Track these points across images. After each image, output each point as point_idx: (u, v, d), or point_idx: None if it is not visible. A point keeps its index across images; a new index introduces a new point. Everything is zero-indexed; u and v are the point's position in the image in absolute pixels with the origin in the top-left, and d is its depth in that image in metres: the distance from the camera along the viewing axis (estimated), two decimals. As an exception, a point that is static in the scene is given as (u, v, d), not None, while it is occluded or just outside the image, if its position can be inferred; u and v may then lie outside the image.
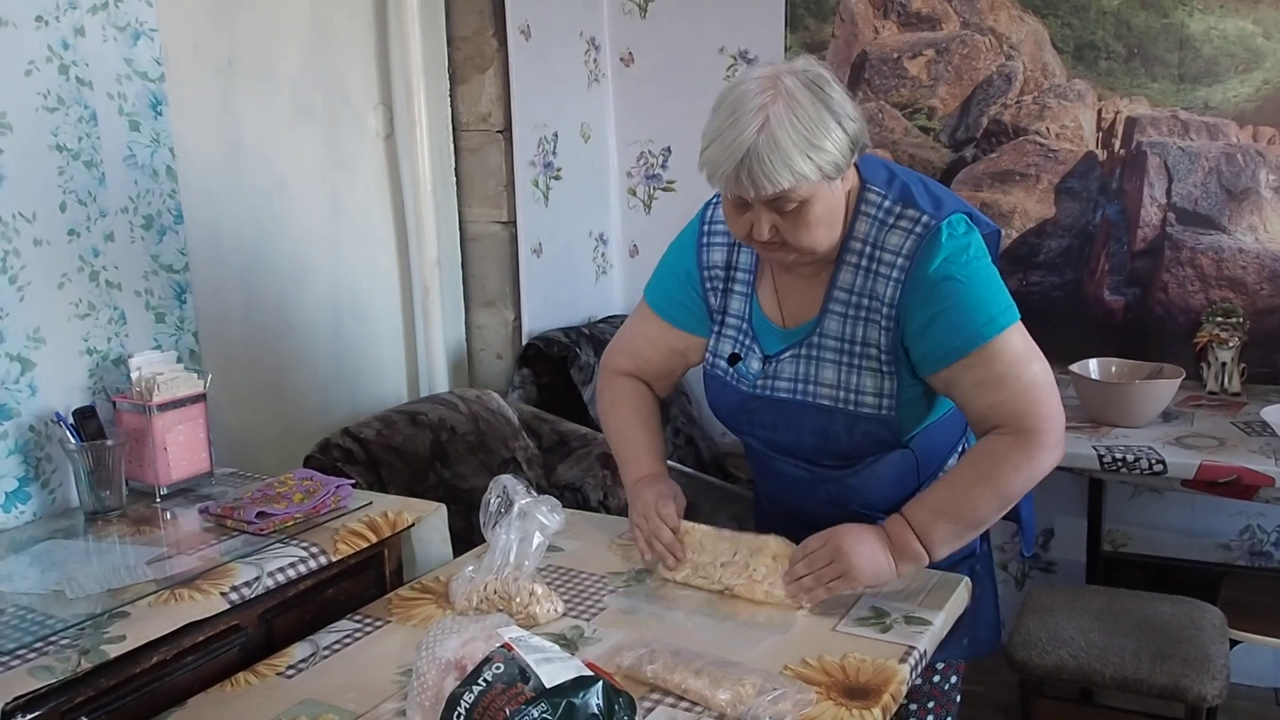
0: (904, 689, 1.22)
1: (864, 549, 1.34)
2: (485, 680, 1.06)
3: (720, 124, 1.29)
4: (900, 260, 1.36)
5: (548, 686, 1.04)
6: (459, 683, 1.07)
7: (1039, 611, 2.12)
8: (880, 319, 1.38)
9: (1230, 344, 2.47)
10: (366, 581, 1.63)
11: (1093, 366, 2.42)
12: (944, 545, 1.35)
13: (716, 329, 1.54)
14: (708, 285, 1.53)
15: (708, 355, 1.55)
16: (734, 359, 1.50)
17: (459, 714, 1.05)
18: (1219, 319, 2.48)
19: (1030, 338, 1.38)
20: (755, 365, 1.48)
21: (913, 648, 1.27)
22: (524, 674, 1.05)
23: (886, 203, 1.38)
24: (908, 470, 1.48)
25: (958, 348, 1.34)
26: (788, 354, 1.45)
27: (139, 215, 1.79)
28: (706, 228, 1.54)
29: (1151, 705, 2.02)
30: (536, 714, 1.01)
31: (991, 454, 1.35)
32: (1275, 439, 2.12)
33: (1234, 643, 2.07)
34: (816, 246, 1.35)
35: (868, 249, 1.39)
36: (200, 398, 1.75)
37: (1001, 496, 1.35)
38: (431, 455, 2.26)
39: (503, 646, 1.10)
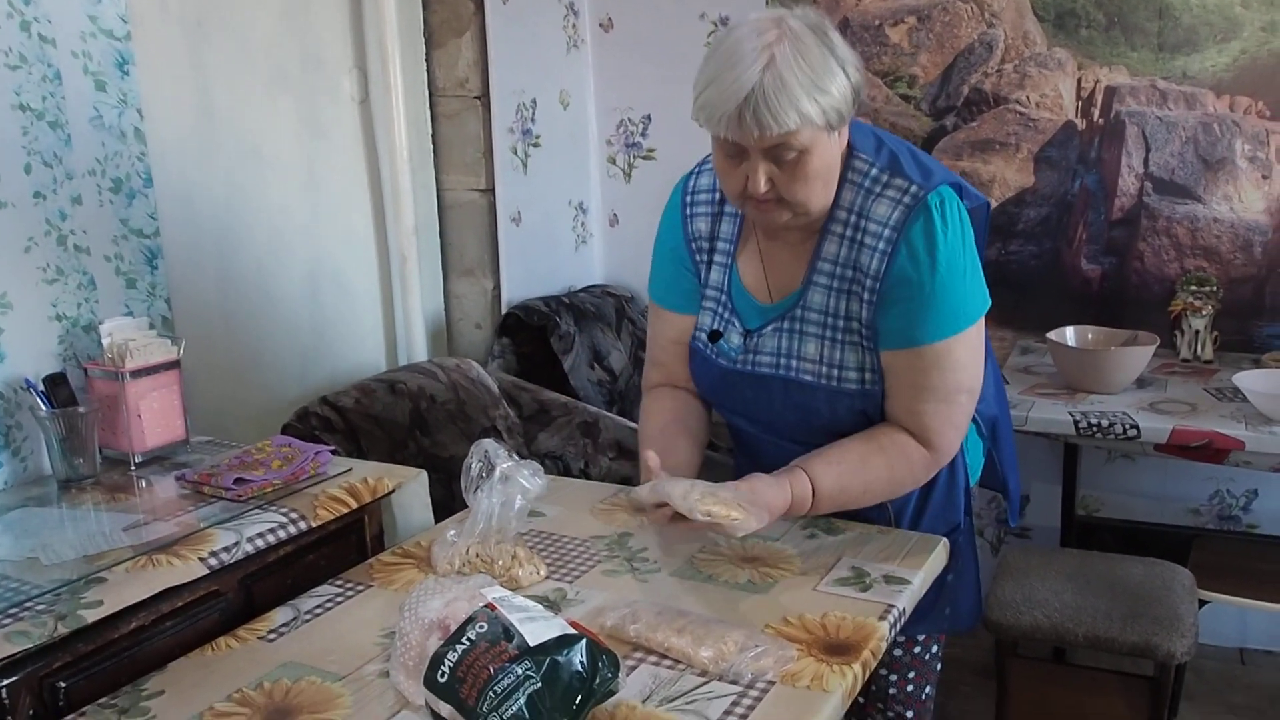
0: (883, 645, 1.23)
1: (770, 519, 1.32)
2: (469, 639, 1.06)
3: (719, 66, 1.25)
4: (887, 232, 1.34)
5: (531, 645, 1.04)
6: (442, 642, 1.07)
7: (1014, 574, 2.14)
8: (863, 292, 1.37)
9: (1204, 312, 2.50)
10: (347, 547, 1.63)
11: (1069, 334, 2.44)
12: (824, 510, 1.39)
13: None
14: (697, 258, 1.51)
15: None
16: (715, 335, 1.48)
17: (442, 673, 1.05)
18: (1193, 288, 2.51)
19: (982, 334, 1.39)
20: (736, 340, 1.46)
21: (892, 605, 1.28)
22: (507, 633, 1.05)
23: (874, 170, 1.36)
24: None
25: (910, 337, 1.34)
26: (769, 328, 1.44)
27: (107, 178, 1.76)
28: (689, 198, 1.51)
29: (1121, 664, 2.06)
30: (520, 672, 1.02)
31: (907, 462, 1.38)
32: (1246, 404, 2.15)
33: (1202, 603, 2.11)
34: (812, 203, 1.33)
35: (853, 219, 1.37)
36: (174, 364, 1.73)
37: (891, 494, 1.42)
38: (411, 424, 2.25)
39: (486, 606, 1.09)
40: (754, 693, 1.10)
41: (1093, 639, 1.93)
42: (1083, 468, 2.69)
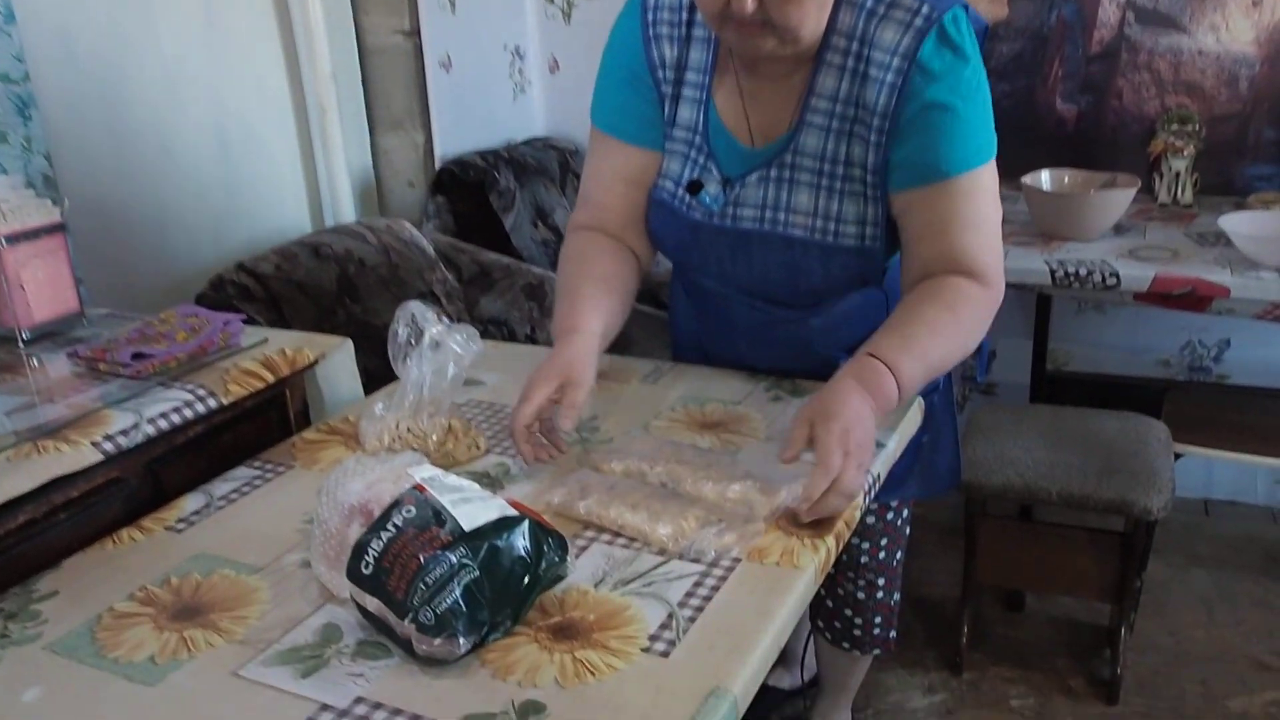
0: (858, 515, 1.12)
1: (867, 420, 1.06)
2: (394, 525, 0.93)
3: None
4: (896, 60, 1.14)
5: (466, 529, 0.91)
6: (365, 529, 0.94)
7: (984, 433, 2.06)
8: (869, 133, 1.18)
9: (1185, 153, 2.37)
10: (267, 425, 1.47)
11: (1044, 178, 2.31)
12: (912, 393, 1.16)
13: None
14: (662, 89, 1.29)
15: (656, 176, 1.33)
16: (695, 187, 1.28)
17: (366, 564, 0.92)
18: (1174, 126, 2.37)
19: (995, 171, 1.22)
20: (714, 188, 1.27)
21: (866, 471, 1.17)
22: (439, 516, 0.92)
23: None
24: (876, 308, 1.29)
25: (934, 170, 1.16)
26: (754, 176, 1.25)
27: (-45, 10, 1.51)
28: (650, 17, 1.28)
29: (1088, 519, 2.01)
30: (455, 559, 0.89)
31: (969, 302, 1.17)
32: (1230, 249, 2.04)
33: (1177, 456, 2.05)
34: (804, 28, 1.13)
35: (854, 46, 1.17)
36: (58, 228, 1.52)
37: (966, 348, 1.20)
38: (339, 290, 2.07)
39: (414, 488, 0.96)
40: (718, 571, 0.99)
41: (1067, 497, 1.86)
42: (1051, 321, 2.60)
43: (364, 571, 0.92)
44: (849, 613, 1.58)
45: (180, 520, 1.16)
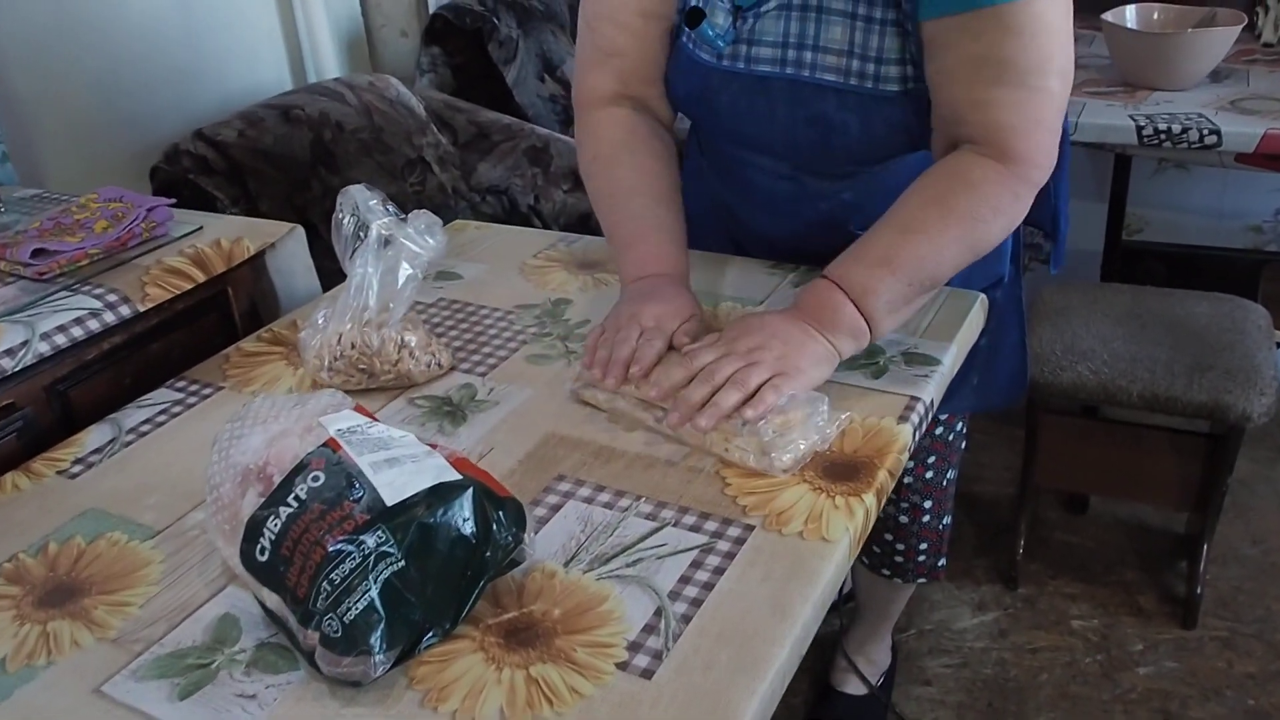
0: (904, 459, 0.89)
1: (787, 336, 0.91)
2: (297, 499, 0.71)
3: None
4: None
5: (388, 504, 0.69)
6: (262, 501, 0.73)
7: (1051, 318, 1.79)
8: None
9: (1298, -19, 2.00)
10: (208, 331, 1.25)
11: (1130, 14, 1.97)
12: (889, 315, 0.94)
13: None
14: None
15: None
16: (695, 16, 1.02)
17: (262, 548, 0.71)
18: (1290, -52, 1.99)
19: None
20: (721, 20, 1.00)
21: (916, 399, 0.93)
22: (353, 486, 0.70)
23: None
24: None
25: None
26: (772, 5, 0.98)
27: None
28: None
29: (1155, 418, 1.74)
30: (371, 546, 0.67)
31: (969, 189, 0.91)
32: (1356, 97, 1.72)
33: (1278, 345, 1.77)
34: None
35: None
36: (-46, 94, 1.28)
37: (974, 248, 0.94)
38: (313, 159, 1.83)
39: (326, 444, 0.74)
40: (723, 545, 0.77)
41: (1150, 399, 1.60)
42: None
43: (259, 558, 0.71)
44: (889, 537, 1.36)
45: (77, 461, 0.96)
